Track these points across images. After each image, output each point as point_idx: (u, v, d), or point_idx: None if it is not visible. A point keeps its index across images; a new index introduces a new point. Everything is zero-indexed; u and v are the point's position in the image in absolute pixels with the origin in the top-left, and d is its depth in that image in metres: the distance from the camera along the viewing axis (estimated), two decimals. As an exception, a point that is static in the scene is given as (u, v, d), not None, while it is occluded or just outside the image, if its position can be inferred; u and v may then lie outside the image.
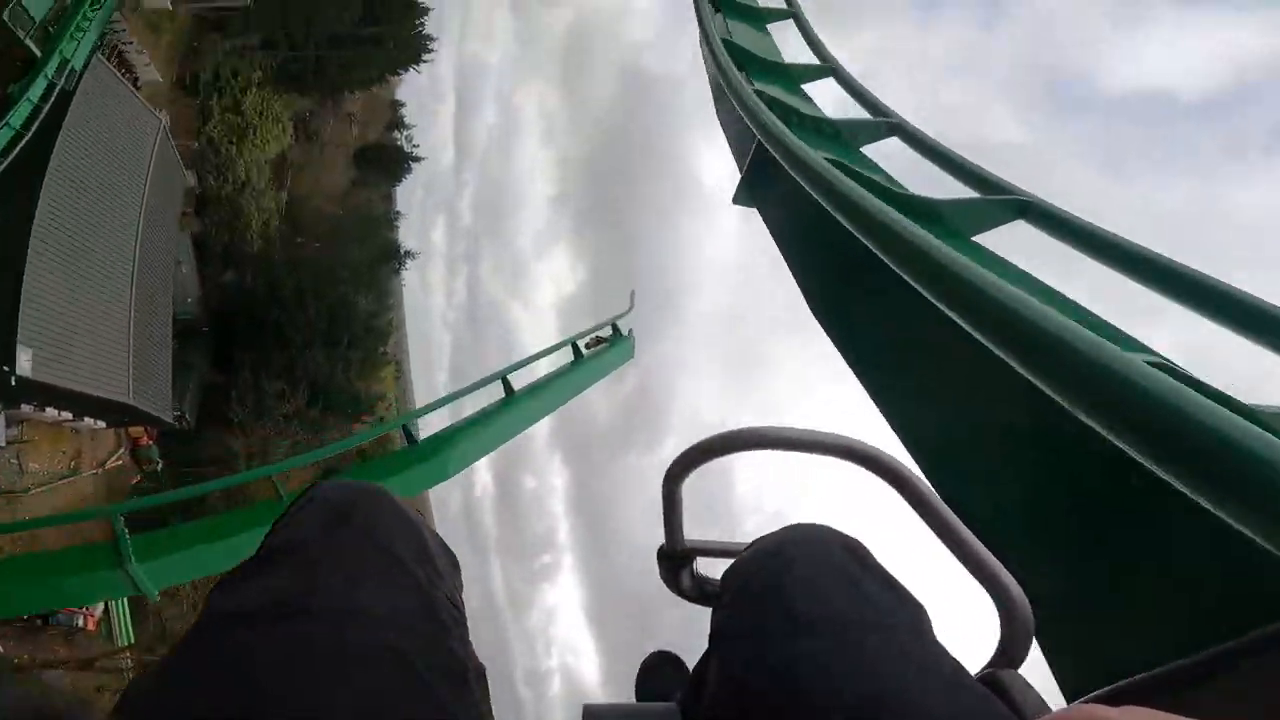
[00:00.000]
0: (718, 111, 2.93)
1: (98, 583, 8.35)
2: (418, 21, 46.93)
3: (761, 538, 1.02)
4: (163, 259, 25.38)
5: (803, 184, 1.43)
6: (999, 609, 0.85)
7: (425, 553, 0.86)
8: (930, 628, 0.85)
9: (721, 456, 1.02)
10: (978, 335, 0.98)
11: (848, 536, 0.95)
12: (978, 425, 1.13)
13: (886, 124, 2.29)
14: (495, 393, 11.99)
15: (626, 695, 1.34)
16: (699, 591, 1.14)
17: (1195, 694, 0.87)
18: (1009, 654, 0.87)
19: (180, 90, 35.12)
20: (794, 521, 1.01)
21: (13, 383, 16.23)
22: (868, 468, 0.96)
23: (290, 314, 33.80)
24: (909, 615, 0.84)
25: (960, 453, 1.16)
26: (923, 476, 0.95)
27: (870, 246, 1.14)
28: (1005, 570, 0.85)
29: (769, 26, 3.94)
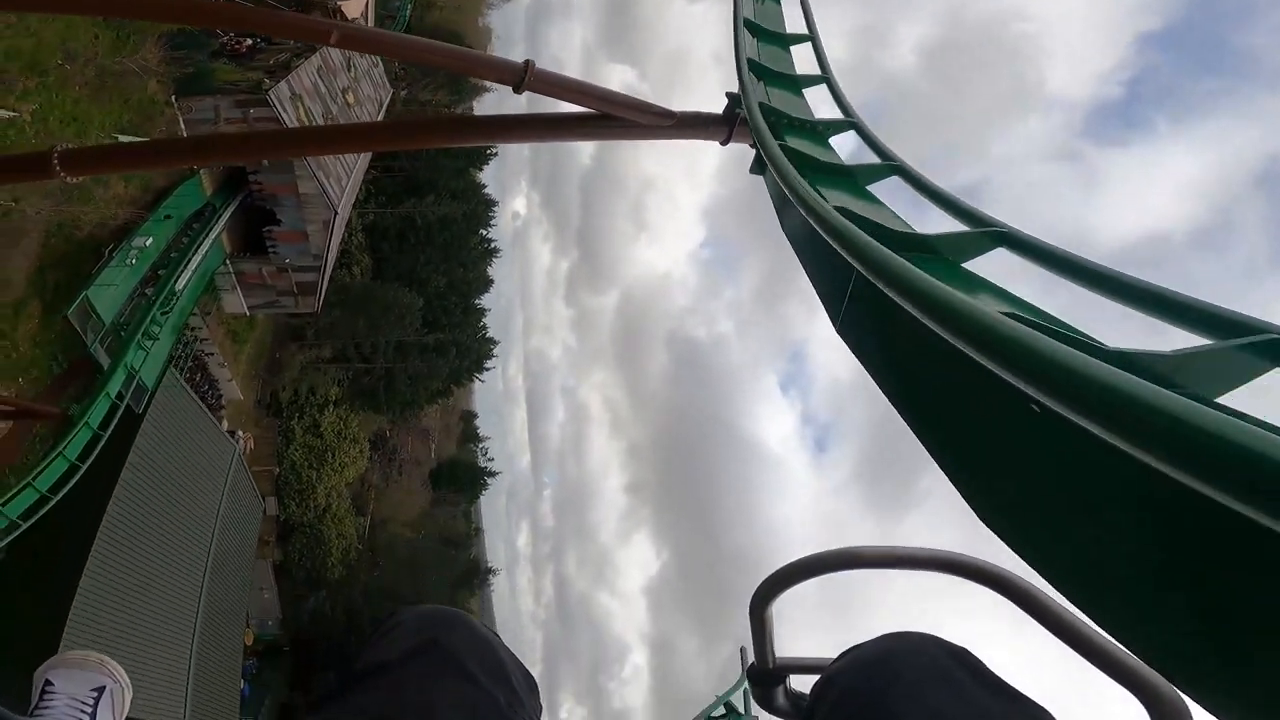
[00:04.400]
0: (792, 232, 2.51)
1: None
2: (480, 324, 48.77)
3: (859, 646, 0.97)
4: (234, 588, 24.05)
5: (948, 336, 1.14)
6: (1148, 710, 0.80)
7: (503, 676, 0.90)
8: None
9: (809, 579, 1.01)
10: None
11: (953, 644, 0.92)
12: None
13: (993, 233, 1.78)
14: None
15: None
16: (794, 707, 1.11)
17: None
18: None
19: (261, 409, 35.25)
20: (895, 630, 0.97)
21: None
22: (975, 580, 0.93)
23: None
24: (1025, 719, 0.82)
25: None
26: (1038, 584, 0.89)
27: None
28: (1149, 667, 0.79)
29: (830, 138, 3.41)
